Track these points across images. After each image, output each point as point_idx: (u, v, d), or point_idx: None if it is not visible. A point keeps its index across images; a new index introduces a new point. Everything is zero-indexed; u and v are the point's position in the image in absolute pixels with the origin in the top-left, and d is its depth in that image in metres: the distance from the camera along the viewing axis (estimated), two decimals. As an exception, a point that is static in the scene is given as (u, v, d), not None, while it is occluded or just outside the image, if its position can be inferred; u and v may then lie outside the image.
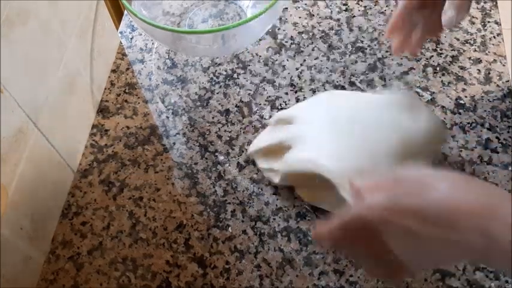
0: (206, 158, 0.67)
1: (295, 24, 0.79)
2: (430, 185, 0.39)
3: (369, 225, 0.40)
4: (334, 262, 0.58)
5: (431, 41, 0.75)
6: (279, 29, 0.79)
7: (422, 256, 0.41)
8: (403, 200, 0.39)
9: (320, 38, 0.77)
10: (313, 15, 0.80)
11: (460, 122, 0.67)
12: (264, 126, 0.68)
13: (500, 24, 0.77)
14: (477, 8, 0.79)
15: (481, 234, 0.37)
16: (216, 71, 0.75)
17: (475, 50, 0.74)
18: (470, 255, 0.43)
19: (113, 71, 0.76)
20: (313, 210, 0.61)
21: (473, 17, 0.78)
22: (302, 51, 0.76)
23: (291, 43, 0.77)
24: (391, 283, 0.56)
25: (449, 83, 0.71)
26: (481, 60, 0.73)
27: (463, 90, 0.70)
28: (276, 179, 0.62)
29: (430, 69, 0.73)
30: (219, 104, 0.71)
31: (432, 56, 0.74)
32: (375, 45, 0.76)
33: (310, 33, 0.78)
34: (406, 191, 0.40)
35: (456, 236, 0.38)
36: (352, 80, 0.72)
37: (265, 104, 0.71)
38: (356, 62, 0.74)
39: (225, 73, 0.75)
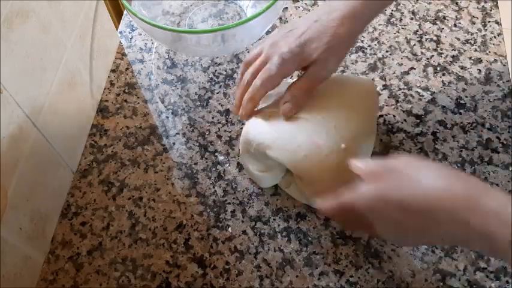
0: (206, 158, 0.66)
1: (295, 24, 0.79)
2: (415, 178, 0.44)
3: (358, 210, 0.47)
4: (334, 262, 0.58)
5: (431, 41, 0.75)
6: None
7: (403, 238, 0.48)
8: (389, 193, 0.45)
9: (320, 37, 0.77)
10: (313, 15, 0.79)
11: (461, 122, 0.67)
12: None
13: (500, 24, 0.76)
14: (477, 8, 0.78)
15: (461, 227, 0.41)
16: (216, 70, 0.75)
17: (476, 50, 0.74)
18: (449, 242, 0.52)
19: (113, 70, 0.76)
20: (313, 211, 0.61)
21: (473, 16, 0.78)
22: (302, 51, 0.75)
23: (291, 43, 0.77)
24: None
25: (449, 82, 0.71)
26: (481, 60, 0.73)
27: (464, 90, 0.70)
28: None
29: (430, 69, 0.73)
30: (219, 104, 0.71)
31: (433, 55, 0.74)
32: (375, 44, 0.75)
33: (310, 33, 0.77)
34: (393, 183, 0.45)
35: (436, 228, 0.43)
36: (352, 79, 0.72)
37: (265, 104, 0.71)
38: (356, 61, 0.74)
39: (225, 73, 0.75)
